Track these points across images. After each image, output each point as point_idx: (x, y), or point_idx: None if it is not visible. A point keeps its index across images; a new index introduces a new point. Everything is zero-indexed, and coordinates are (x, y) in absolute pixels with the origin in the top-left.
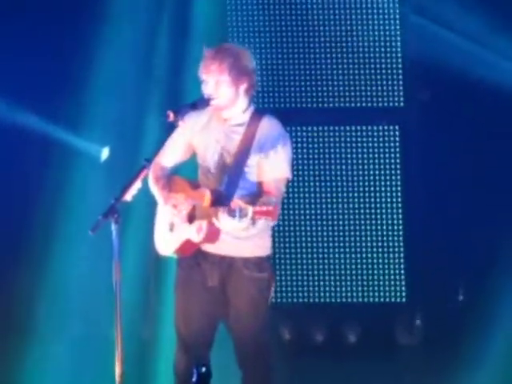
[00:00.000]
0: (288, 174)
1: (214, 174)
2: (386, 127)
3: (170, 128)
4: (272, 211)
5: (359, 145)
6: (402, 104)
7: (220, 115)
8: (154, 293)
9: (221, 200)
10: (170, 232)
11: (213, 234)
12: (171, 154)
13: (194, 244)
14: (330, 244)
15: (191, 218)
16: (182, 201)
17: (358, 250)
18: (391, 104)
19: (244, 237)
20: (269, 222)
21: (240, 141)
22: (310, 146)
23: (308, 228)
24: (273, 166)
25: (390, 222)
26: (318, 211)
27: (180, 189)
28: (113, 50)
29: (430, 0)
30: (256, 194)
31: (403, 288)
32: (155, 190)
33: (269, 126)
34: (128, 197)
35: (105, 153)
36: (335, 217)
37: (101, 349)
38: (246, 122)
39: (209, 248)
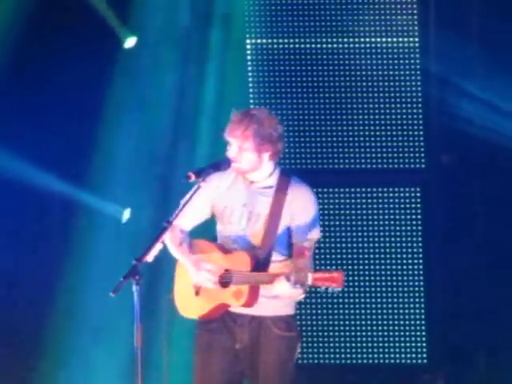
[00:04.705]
0: (319, 234)
1: (241, 236)
2: (407, 189)
3: (189, 189)
4: (337, 278)
5: (380, 206)
6: (423, 166)
7: (246, 177)
8: (167, 355)
9: (260, 265)
10: (196, 296)
11: (253, 299)
12: (191, 216)
13: (227, 307)
14: (351, 305)
15: (224, 282)
16: (217, 267)
17: (379, 311)
18: (412, 166)
19: (273, 296)
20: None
21: (271, 204)
22: (332, 207)
23: (329, 289)
24: (306, 228)
25: (411, 283)
26: None
27: (206, 252)
28: (136, 114)
29: (453, 63)
30: (291, 257)
31: (424, 349)
32: (179, 254)
33: (298, 188)
34: (149, 258)
35: (126, 214)
36: (356, 278)
37: None
38: (274, 184)
39: (238, 309)
